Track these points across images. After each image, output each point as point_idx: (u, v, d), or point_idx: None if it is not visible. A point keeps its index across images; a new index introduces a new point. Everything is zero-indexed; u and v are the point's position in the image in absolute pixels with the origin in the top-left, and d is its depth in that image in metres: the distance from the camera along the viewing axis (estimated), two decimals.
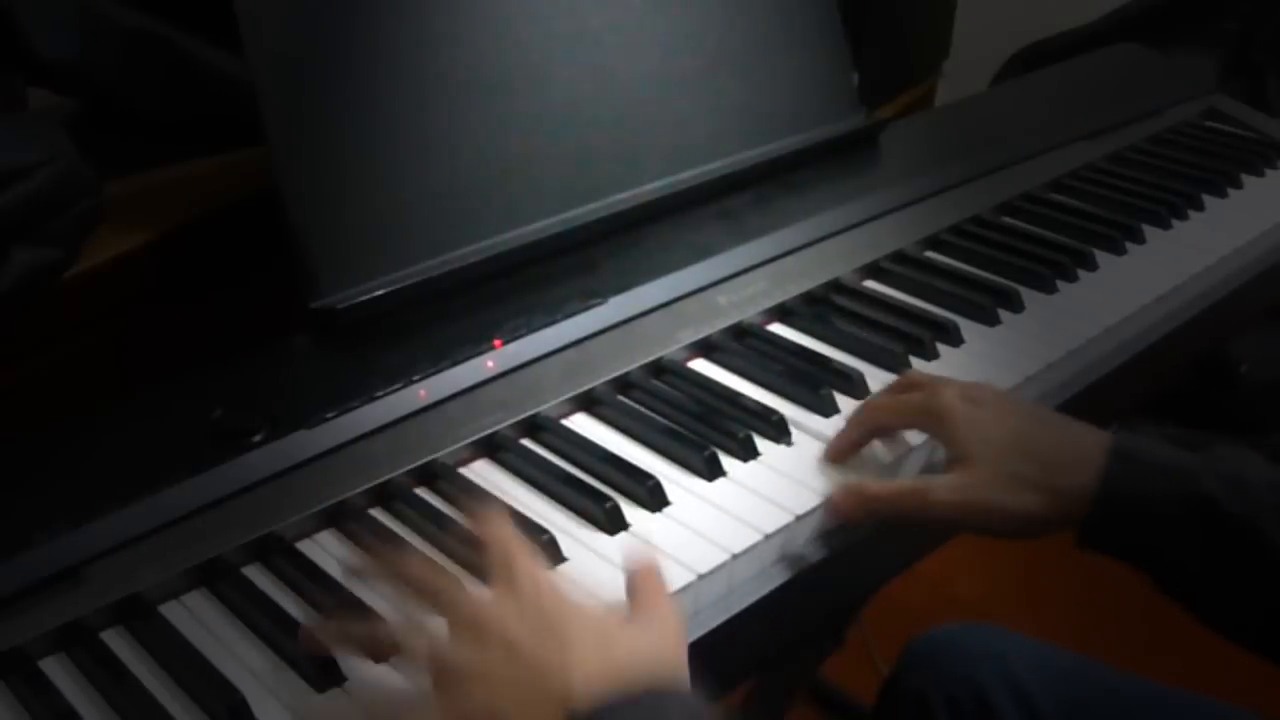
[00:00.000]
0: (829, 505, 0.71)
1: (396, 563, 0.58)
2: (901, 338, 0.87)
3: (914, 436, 0.76)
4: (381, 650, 0.58)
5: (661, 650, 0.56)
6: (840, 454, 0.75)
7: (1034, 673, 0.84)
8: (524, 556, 0.57)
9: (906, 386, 0.76)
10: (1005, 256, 0.99)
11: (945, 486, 0.69)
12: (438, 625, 0.55)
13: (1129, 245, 1.03)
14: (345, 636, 0.58)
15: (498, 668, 0.52)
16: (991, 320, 0.91)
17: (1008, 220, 1.08)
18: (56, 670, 0.59)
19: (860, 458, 0.75)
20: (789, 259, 0.94)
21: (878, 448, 0.76)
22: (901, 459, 0.76)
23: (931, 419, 0.72)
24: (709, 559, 0.66)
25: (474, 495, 0.69)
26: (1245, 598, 0.65)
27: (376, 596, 0.63)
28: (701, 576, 0.65)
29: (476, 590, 0.57)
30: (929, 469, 0.77)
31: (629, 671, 0.53)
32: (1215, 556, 0.65)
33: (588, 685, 0.51)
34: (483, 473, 0.74)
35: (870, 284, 0.97)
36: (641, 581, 0.59)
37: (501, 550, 0.57)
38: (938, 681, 0.87)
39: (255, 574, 0.66)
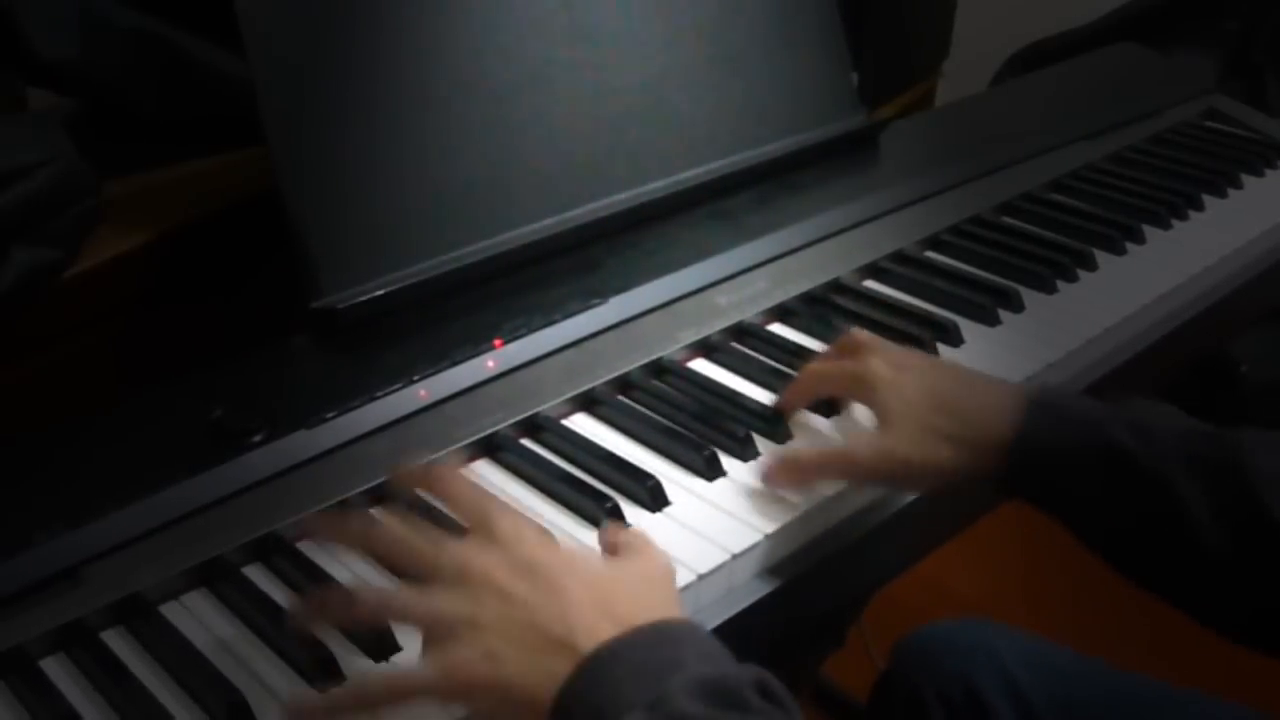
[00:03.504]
0: (764, 474, 0.72)
1: (368, 532, 0.57)
2: (901, 338, 0.87)
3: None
4: (367, 616, 0.56)
5: (654, 587, 0.56)
6: (786, 415, 0.78)
7: (1028, 668, 0.84)
8: (497, 506, 0.56)
9: (845, 346, 0.78)
10: (1005, 256, 1.00)
11: (867, 445, 0.71)
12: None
13: (1129, 245, 1.03)
14: (329, 608, 0.57)
15: (492, 615, 0.52)
16: (991, 320, 0.91)
17: (1008, 220, 1.08)
18: (56, 670, 0.59)
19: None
20: (789, 259, 0.94)
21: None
22: None
23: (860, 386, 0.74)
24: (709, 559, 0.67)
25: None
26: (1152, 545, 0.66)
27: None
28: (702, 576, 0.66)
29: (457, 544, 0.55)
30: None
31: (625, 608, 0.52)
32: (1124, 504, 0.66)
33: (587, 626, 0.51)
34: (483, 473, 0.74)
35: (870, 284, 0.97)
36: (618, 533, 0.60)
37: (473, 504, 0.56)
38: (931, 678, 0.86)
39: (255, 574, 0.66)
